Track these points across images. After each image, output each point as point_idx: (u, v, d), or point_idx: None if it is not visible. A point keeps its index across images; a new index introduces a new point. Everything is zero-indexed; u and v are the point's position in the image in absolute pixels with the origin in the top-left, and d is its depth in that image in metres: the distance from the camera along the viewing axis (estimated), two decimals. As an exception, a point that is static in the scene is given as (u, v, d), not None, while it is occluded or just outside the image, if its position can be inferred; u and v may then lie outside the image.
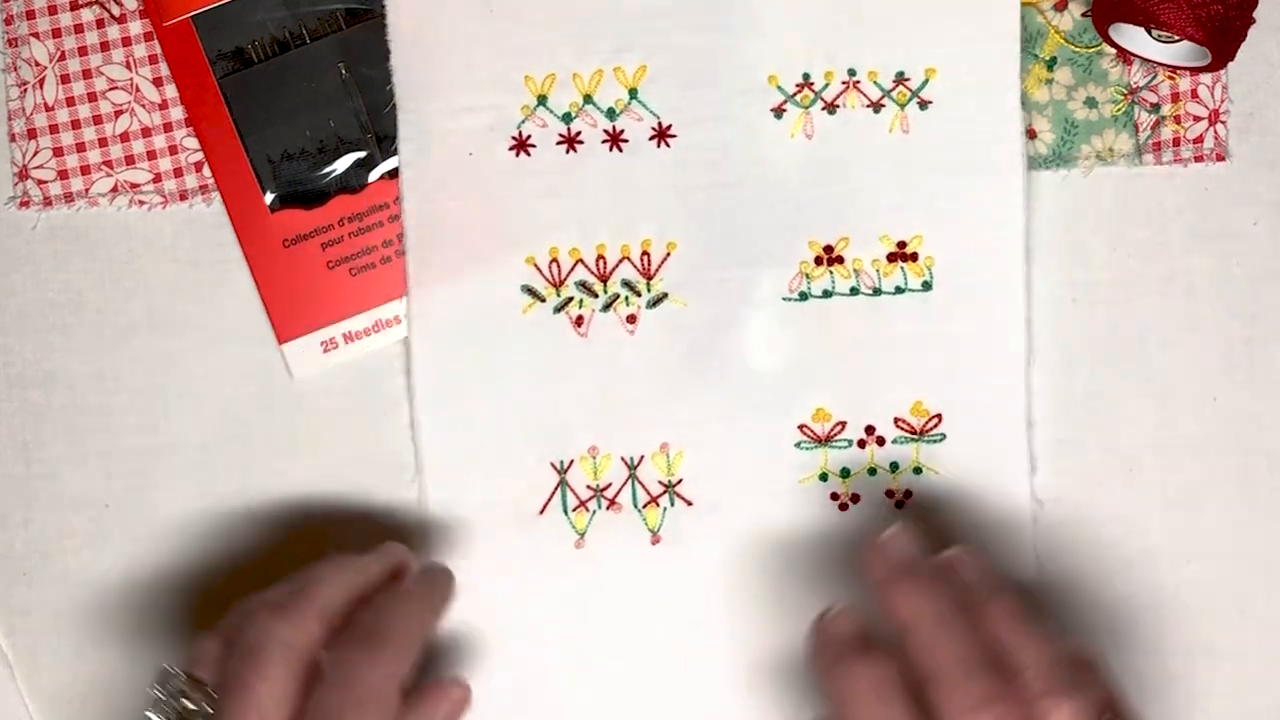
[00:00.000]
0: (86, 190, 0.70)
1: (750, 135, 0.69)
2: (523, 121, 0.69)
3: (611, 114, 0.69)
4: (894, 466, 0.70)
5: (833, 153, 0.69)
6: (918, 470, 0.70)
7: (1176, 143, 0.70)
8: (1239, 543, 0.70)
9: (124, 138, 0.69)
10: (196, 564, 0.70)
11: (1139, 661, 0.70)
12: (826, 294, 0.69)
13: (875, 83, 0.69)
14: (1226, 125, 0.70)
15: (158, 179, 0.70)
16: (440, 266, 0.69)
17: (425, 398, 0.69)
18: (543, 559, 0.69)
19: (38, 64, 0.69)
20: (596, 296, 0.69)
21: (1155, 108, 0.70)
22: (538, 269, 0.69)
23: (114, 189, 0.69)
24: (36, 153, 0.69)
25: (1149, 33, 0.67)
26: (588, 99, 0.69)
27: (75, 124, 0.69)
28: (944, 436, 0.69)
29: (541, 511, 0.69)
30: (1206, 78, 0.69)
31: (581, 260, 0.69)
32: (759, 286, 0.69)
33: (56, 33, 0.69)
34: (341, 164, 0.69)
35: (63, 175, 0.69)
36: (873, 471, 0.70)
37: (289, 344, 0.70)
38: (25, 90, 0.69)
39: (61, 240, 0.70)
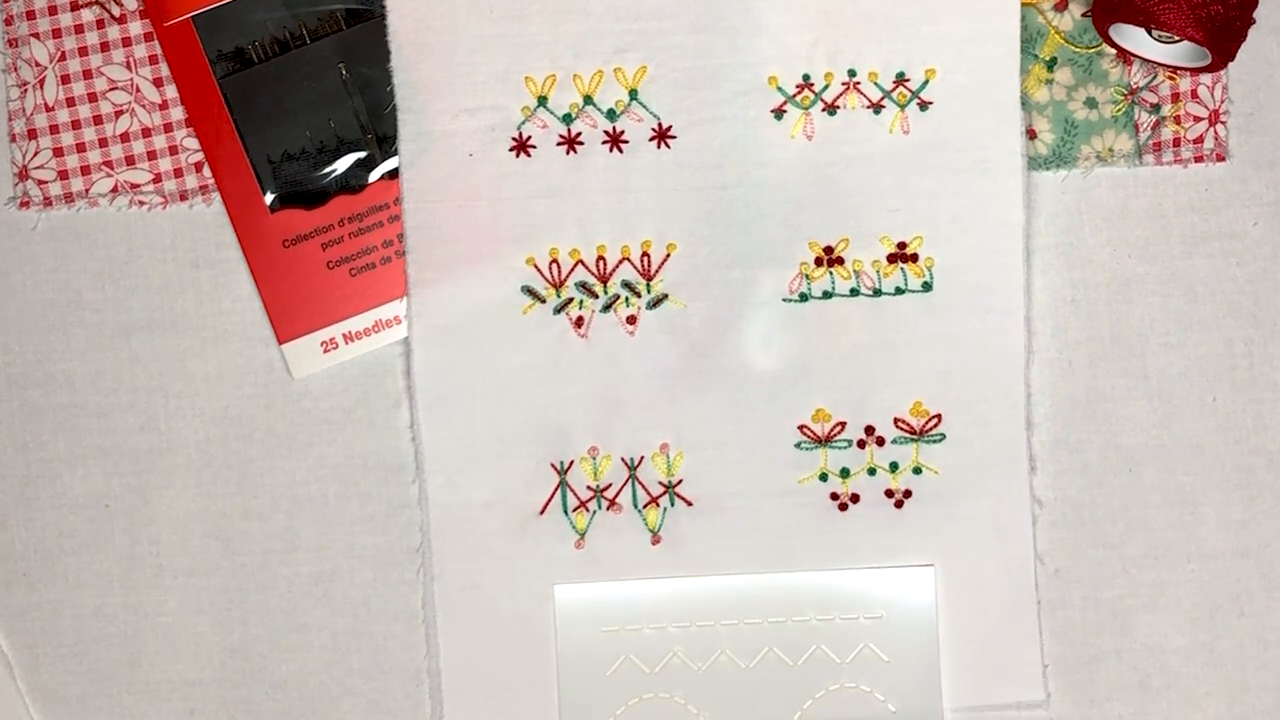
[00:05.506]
0: (86, 190, 0.69)
1: (750, 136, 0.69)
2: (523, 122, 0.69)
3: (612, 115, 0.69)
4: (894, 466, 0.70)
5: (833, 153, 0.69)
6: (918, 470, 0.70)
7: (1176, 143, 0.70)
8: (1239, 543, 0.70)
9: (124, 138, 0.69)
10: (196, 564, 0.70)
11: (1139, 661, 0.70)
12: (827, 295, 0.69)
13: (875, 83, 0.69)
14: (1226, 125, 0.70)
15: (158, 179, 0.70)
16: (440, 267, 0.69)
17: (425, 398, 0.69)
18: (543, 559, 0.69)
19: (38, 64, 0.69)
20: (597, 297, 0.69)
21: (1155, 108, 0.70)
22: (538, 270, 0.69)
23: (114, 189, 0.69)
24: (36, 153, 0.69)
25: (1149, 33, 0.67)
26: (588, 100, 0.69)
27: (75, 124, 0.69)
28: (944, 436, 0.69)
29: (542, 512, 0.69)
30: (1206, 78, 0.69)
31: (581, 261, 0.69)
32: (759, 287, 0.69)
33: (57, 33, 0.69)
34: (341, 164, 0.69)
35: (63, 175, 0.69)
36: (873, 471, 0.70)
37: (289, 344, 0.70)
38: (25, 90, 0.69)
39: (61, 240, 0.70)
